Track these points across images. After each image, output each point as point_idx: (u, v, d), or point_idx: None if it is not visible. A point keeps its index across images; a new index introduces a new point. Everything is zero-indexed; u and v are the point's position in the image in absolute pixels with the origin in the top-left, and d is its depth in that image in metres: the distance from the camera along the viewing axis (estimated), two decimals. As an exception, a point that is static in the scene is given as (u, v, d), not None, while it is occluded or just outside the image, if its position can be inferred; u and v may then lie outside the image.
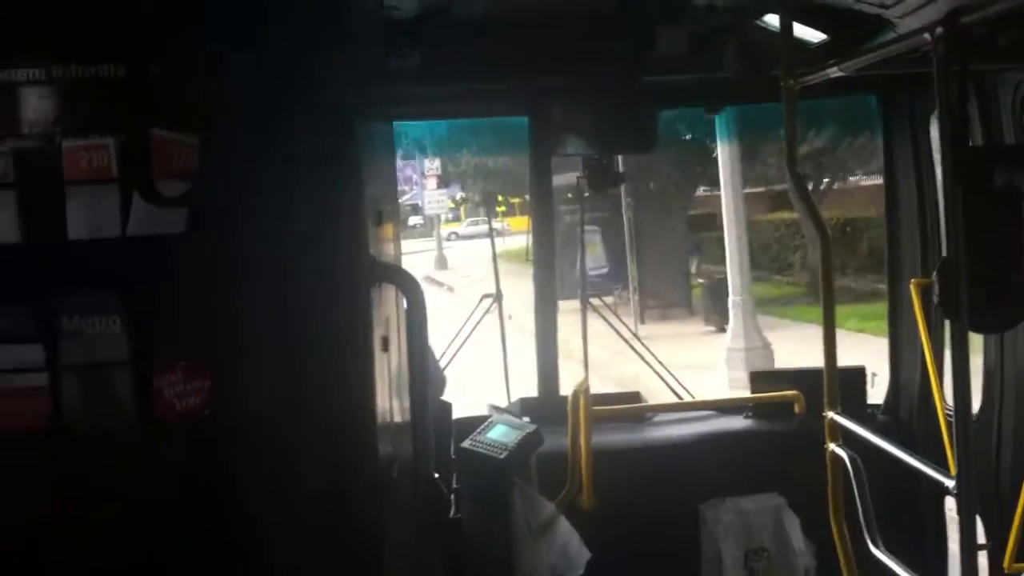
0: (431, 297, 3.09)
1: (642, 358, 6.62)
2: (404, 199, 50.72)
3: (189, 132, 2.54)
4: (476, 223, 45.99)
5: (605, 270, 23.97)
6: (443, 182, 38.60)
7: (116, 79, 2.56)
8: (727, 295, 18.27)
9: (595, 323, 6.64)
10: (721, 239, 19.37)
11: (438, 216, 42.62)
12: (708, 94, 5.59)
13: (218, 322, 2.58)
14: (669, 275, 24.64)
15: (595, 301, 6.44)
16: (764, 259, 28.12)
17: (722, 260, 19.49)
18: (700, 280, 24.52)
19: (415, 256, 32.81)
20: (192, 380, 2.58)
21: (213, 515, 2.60)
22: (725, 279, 18.64)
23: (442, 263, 38.49)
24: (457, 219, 48.07)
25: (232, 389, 2.59)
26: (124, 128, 2.54)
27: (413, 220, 54.93)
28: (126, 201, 2.55)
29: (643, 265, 23.50)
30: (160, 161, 2.52)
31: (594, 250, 23.33)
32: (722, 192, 17.85)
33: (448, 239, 45.44)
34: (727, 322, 18.36)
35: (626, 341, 6.70)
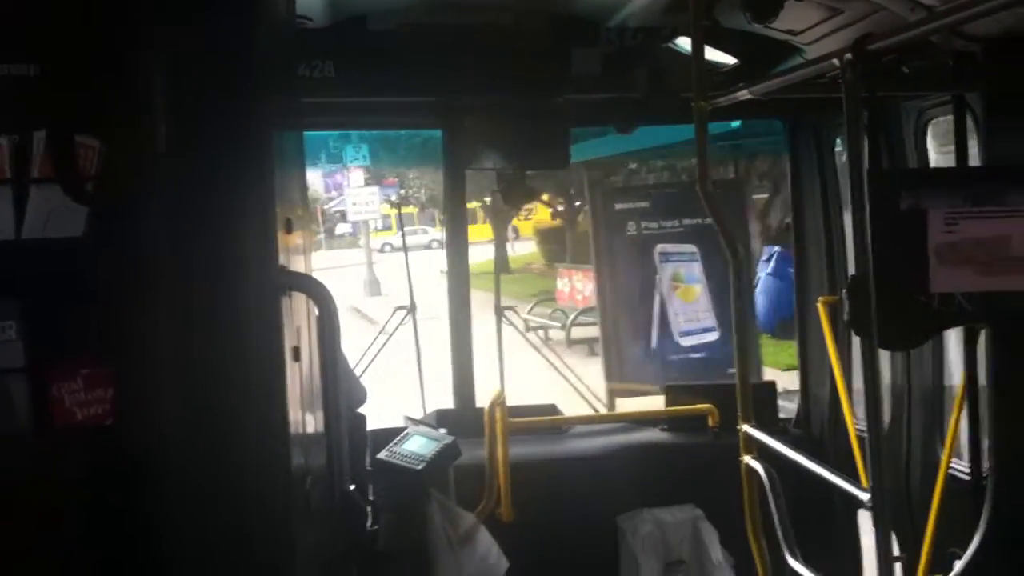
0: (357, 337, 3.03)
1: (559, 371, 6.63)
2: (331, 205, 49.33)
3: (91, 134, 2.47)
4: (415, 232, 41.62)
5: (714, 335, 10.10)
6: (373, 178, 32.53)
7: (14, 77, 2.48)
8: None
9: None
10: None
11: (366, 223, 34.72)
12: (620, 114, 5.65)
13: (121, 329, 2.51)
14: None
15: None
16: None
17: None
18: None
19: (340, 273, 29.05)
20: (94, 388, 2.51)
21: (114, 528, 2.53)
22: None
23: (374, 287, 30.78)
24: (389, 228, 43.07)
25: (136, 398, 2.53)
26: (20, 127, 2.46)
27: (341, 229, 51.12)
28: (20, 202, 2.47)
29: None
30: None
31: (690, 295, 10.19)
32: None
33: (381, 250, 40.08)
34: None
35: (542, 354, 6.72)
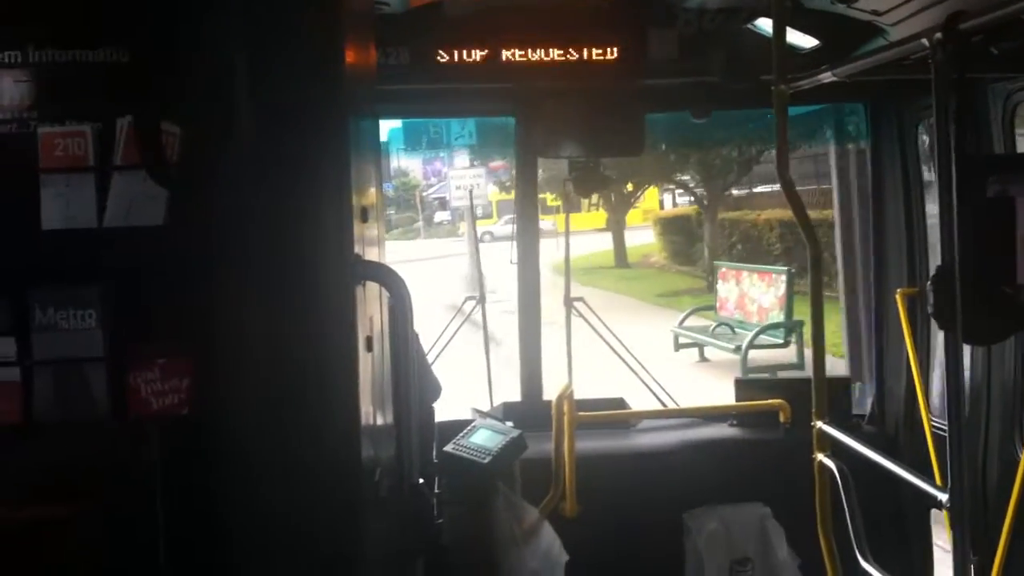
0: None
1: (628, 366, 6.56)
2: (430, 192, 48.68)
3: (172, 121, 2.46)
4: (513, 220, 39.24)
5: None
6: (479, 160, 28.11)
7: (98, 64, 2.48)
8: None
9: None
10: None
11: (470, 210, 28.31)
12: (696, 98, 5.55)
13: (198, 319, 2.49)
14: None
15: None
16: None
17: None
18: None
19: (439, 265, 28.02)
20: (170, 378, 2.50)
21: (188, 516, 2.52)
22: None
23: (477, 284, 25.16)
24: (489, 216, 40.03)
25: (211, 388, 2.51)
26: (104, 115, 2.46)
27: (439, 216, 48.33)
28: (103, 191, 2.47)
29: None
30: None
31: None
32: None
33: (482, 240, 38.27)
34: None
35: (612, 348, 6.64)
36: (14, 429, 2.47)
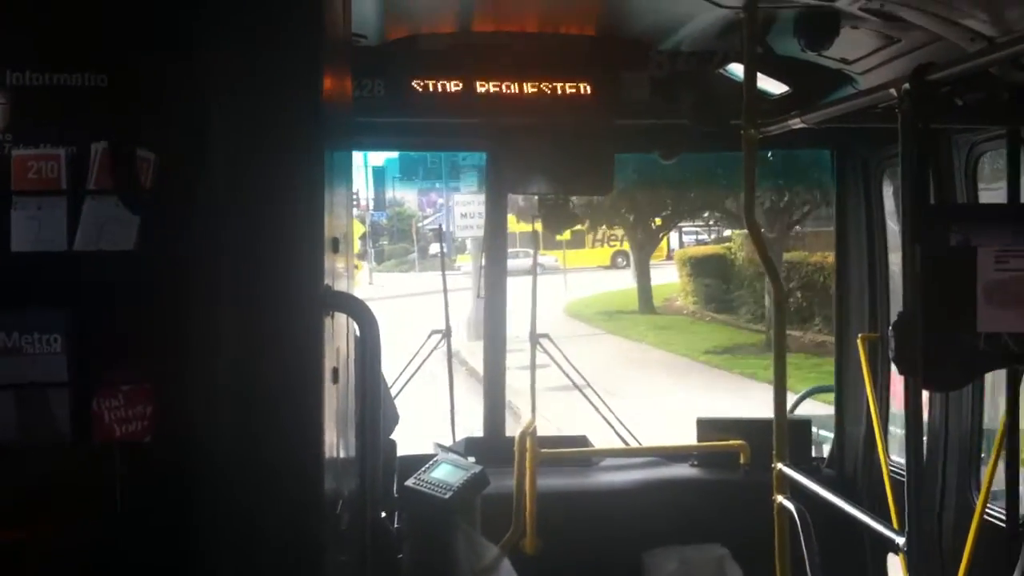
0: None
1: (592, 404, 6.56)
2: (425, 223, 47.91)
3: (147, 148, 2.45)
4: (516, 255, 38.04)
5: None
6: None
7: (74, 88, 2.47)
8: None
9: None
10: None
11: (476, 241, 24.00)
12: (667, 140, 5.61)
13: (165, 346, 2.47)
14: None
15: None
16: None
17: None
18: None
19: (435, 300, 25.23)
20: (134, 405, 2.47)
21: (149, 543, 2.49)
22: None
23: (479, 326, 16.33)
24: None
25: (176, 416, 2.49)
26: (78, 139, 2.44)
27: (435, 249, 46.03)
28: (74, 214, 2.46)
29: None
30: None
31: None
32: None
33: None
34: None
35: (576, 386, 6.64)
36: (-27, 452, 2.44)
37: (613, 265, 45.00)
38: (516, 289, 6.27)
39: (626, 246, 43.80)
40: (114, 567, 2.48)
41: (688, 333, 25.03)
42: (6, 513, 2.48)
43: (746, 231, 27.78)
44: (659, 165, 5.64)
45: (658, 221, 28.66)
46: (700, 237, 41.31)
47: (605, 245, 45.96)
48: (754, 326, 23.90)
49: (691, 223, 34.68)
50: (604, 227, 35.83)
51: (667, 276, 31.82)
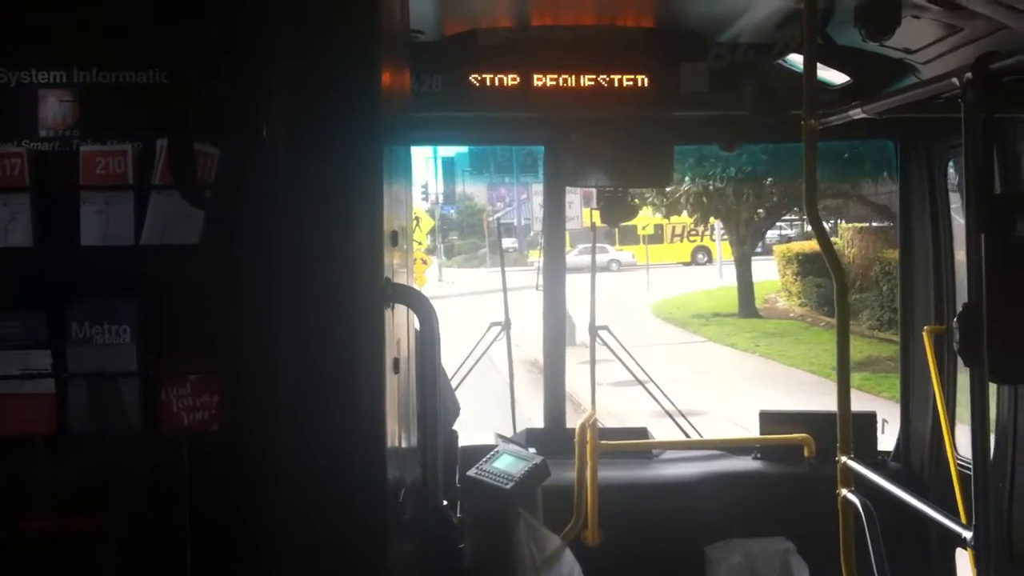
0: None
1: (653, 397, 6.55)
2: (495, 217, 47.42)
3: (210, 142, 2.51)
4: (588, 250, 36.15)
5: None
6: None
7: (139, 85, 2.54)
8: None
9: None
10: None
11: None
12: (726, 131, 5.58)
13: (230, 337, 2.53)
14: None
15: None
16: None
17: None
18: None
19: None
20: (202, 394, 2.54)
21: (215, 532, 2.55)
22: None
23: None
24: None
25: (241, 406, 2.55)
26: (144, 135, 2.51)
27: (506, 243, 44.45)
28: (141, 209, 2.53)
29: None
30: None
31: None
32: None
33: None
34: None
35: (636, 379, 6.63)
36: (48, 440, 2.52)
37: (693, 261, 43.89)
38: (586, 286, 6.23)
39: (707, 241, 42.71)
40: (179, 555, 2.54)
41: (805, 343, 22.22)
42: (76, 501, 2.55)
43: (855, 225, 26.33)
44: (762, 153, 5.60)
45: (761, 212, 26.01)
46: (784, 232, 39.63)
47: (685, 240, 44.72)
48: (881, 334, 20.78)
49: (788, 217, 31.40)
50: (685, 220, 32.99)
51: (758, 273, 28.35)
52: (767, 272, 29.41)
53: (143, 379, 2.52)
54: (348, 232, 2.58)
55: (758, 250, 27.97)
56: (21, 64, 2.57)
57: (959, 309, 3.38)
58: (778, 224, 33.74)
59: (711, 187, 22.18)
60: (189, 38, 2.52)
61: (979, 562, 3.41)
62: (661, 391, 6.52)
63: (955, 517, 3.97)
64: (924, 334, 5.39)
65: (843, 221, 30.97)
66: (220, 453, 2.55)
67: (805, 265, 26.19)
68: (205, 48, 2.51)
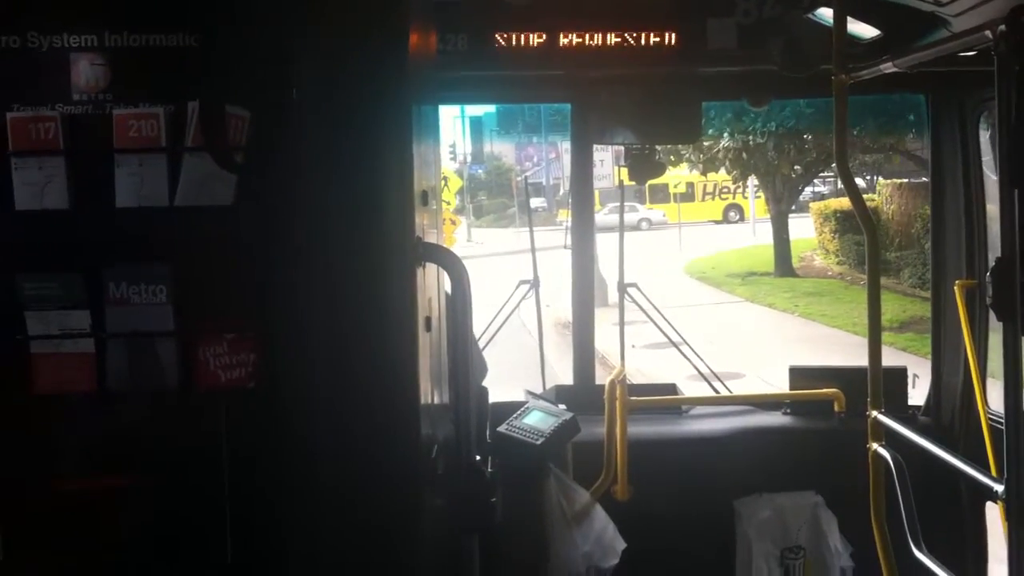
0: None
1: (683, 355, 6.56)
2: (524, 176, 47.09)
3: (242, 105, 2.53)
4: (617, 208, 34.39)
5: None
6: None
7: (170, 48, 2.56)
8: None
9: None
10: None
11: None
12: (754, 87, 5.54)
13: (265, 296, 2.57)
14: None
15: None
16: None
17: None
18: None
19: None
20: (238, 353, 2.58)
21: (251, 488, 2.60)
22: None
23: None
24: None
25: (277, 363, 2.59)
26: (176, 97, 2.54)
27: (535, 202, 44.47)
28: (174, 171, 2.55)
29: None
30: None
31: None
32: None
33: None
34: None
35: (668, 338, 6.64)
36: (88, 397, 2.57)
37: (725, 220, 43.32)
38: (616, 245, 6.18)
39: (739, 199, 42.05)
40: (218, 512, 2.59)
41: (845, 302, 21.53)
42: (115, 459, 2.61)
43: (893, 181, 25.62)
44: (807, 107, 5.52)
45: (798, 169, 25.44)
46: (817, 190, 38.15)
47: (716, 198, 44.14)
48: (923, 292, 19.68)
49: (823, 174, 30.39)
50: (720, 178, 32.47)
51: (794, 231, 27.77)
52: (801, 230, 28.99)
53: (180, 338, 2.56)
54: (379, 192, 2.60)
55: (792, 208, 27.31)
56: (52, 29, 2.59)
57: (991, 264, 3.36)
58: (813, 181, 33.14)
59: (751, 142, 21.94)
60: (217, 1, 2.54)
61: (1010, 515, 3.41)
62: (696, 353, 6.52)
63: (986, 471, 3.97)
64: (956, 288, 5.36)
65: (880, 177, 30.38)
66: (256, 410, 2.59)
67: (843, 223, 25.72)
68: (234, 10, 2.52)
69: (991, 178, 5.39)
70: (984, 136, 5.48)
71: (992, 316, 3.47)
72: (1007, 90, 3.24)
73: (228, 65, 2.53)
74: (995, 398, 5.26)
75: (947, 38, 4.12)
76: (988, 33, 3.28)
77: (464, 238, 37.15)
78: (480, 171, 46.62)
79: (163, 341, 2.56)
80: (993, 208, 5.39)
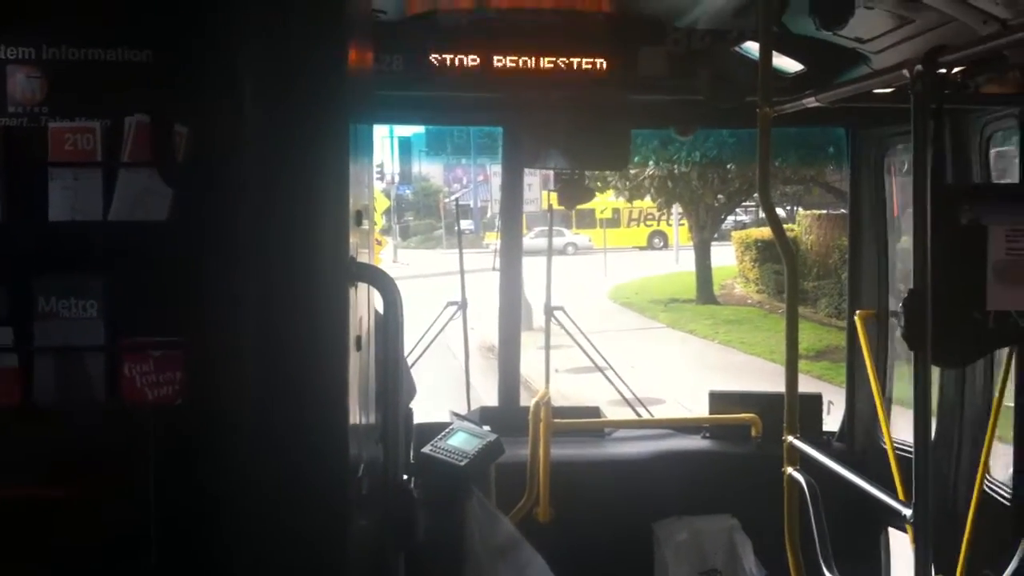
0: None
1: (607, 379, 6.64)
2: (452, 199, 46.07)
3: (180, 121, 2.53)
4: (544, 232, 35.04)
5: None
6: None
7: (108, 63, 2.55)
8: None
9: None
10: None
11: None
12: (682, 116, 5.66)
13: (195, 313, 2.56)
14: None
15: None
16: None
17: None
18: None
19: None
20: (165, 370, 2.56)
21: (178, 504, 2.58)
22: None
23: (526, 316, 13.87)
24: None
25: (205, 381, 2.58)
26: (113, 112, 2.53)
27: (463, 225, 46.16)
28: (109, 185, 2.54)
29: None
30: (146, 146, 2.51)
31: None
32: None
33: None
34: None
35: (592, 362, 6.71)
36: (13, 413, 2.53)
37: (649, 246, 43.67)
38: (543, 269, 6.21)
39: (664, 226, 42.53)
40: (144, 526, 2.57)
41: (764, 330, 21.85)
42: (44, 473, 2.58)
43: (812, 212, 25.99)
44: (729, 137, 5.65)
45: (721, 198, 25.99)
46: (739, 219, 38.17)
47: (641, 225, 44.58)
48: (839, 322, 19.79)
49: (745, 203, 30.84)
50: (646, 204, 32.92)
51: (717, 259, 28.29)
52: (723, 258, 29.55)
53: (109, 354, 2.54)
54: (315, 210, 2.61)
55: (714, 236, 27.79)
56: None
57: (894, 295, 3.47)
58: (735, 210, 33.66)
59: (676, 171, 22.40)
60: (158, 17, 2.54)
61: (917, 539, 3.52)
62: (619, 377, 6.60)
63: (895, 496, 4.09)
64: (856, 318, 5.52)
65: (800, 208, 30.94)
66: (185, 427, 2.58)
67: (763, 251, 26.16)
68: (174, 27, 2.53)
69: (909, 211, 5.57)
70: (902, 170, 5.68)
71: (896, 345, 3.59)
72: (922, 127, 3.36)
73: (167, 81, 2.53)
74: (900, 426, 5.42)
75: (867, 75, 4.26)
76: (905, 72, 3.40)
77: (390, 259, 36.98)
78: (408, 192, 46.39)
79: (92, 356, 2.53)
80: (908, 241, 5.57)
